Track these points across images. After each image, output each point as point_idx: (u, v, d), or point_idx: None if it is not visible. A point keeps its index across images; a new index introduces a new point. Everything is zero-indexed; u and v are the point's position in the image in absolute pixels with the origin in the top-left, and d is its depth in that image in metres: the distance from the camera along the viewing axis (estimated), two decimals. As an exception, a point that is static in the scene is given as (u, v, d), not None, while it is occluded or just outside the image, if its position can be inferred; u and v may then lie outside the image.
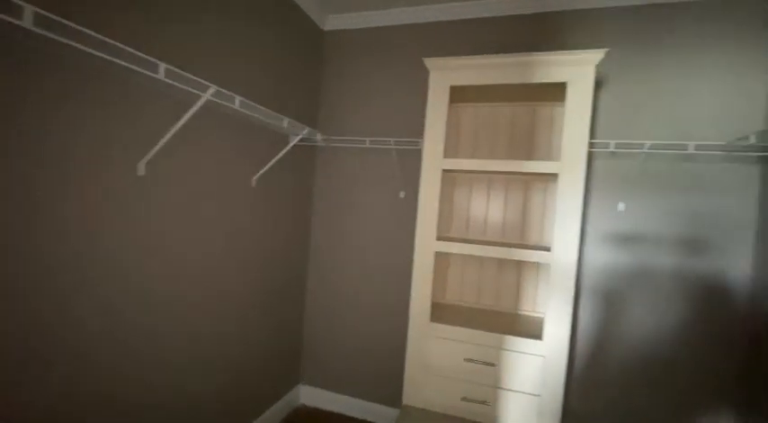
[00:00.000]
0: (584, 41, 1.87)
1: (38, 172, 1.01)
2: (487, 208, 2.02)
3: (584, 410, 1.90)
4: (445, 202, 2.03)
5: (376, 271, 2.25)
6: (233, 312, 1.79)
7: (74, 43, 0.91)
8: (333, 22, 2.30)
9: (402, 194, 2.19)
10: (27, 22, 0.82)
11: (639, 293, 1.82)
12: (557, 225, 1.56)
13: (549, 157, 1.90)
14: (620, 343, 1.85)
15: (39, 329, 1.04)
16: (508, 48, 1.97)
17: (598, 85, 1.84)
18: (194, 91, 1.23)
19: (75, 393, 1.14)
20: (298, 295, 2.34)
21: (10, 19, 0.79)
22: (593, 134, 1.81)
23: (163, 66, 1.11)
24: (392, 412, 2.19)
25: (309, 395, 2.38)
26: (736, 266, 1.70)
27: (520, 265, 1.96)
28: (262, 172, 1.83)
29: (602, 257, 1.87)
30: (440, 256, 1.89)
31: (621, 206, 1.83)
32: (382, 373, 2.23)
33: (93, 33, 0.93)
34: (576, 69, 1.53)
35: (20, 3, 0.80)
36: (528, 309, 1.96)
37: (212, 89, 1.24)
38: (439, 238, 1.74)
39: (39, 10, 0.84)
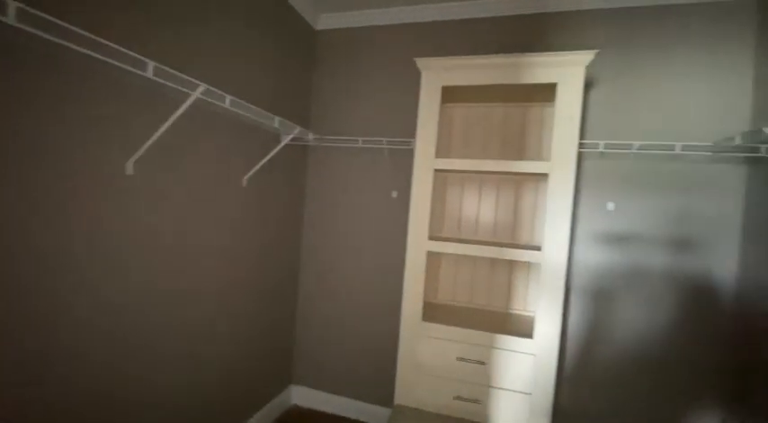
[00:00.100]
0: (575, 43, 1.89)
1: (23, 171, 0.99)
2: (479, 208, 2.03)
3: (574, 408, 1.92)
4: (437, 201, 2.04)
5: (368, 271, 2.25)
6: (224, 313, 1.77)
7: (60, 40, 0.89)
8: (325, 21, 2.29)
9: (394, 194, 2.19)
10: (10, 18, 0.81)
11: (629, 292, 1.84)
12: (547, 225, 1.57)
13: (539, 157, 1.92)
14: (609, 341, 1.87)
15: (32, 329, 1.02)
16: (500, 48, 1.98)
17: (588, 86, 1.86)
18: (184, 89, 1.21)
19: (67, 393, 1.13)
20: (290, 295, 2.33)
21: (-7, 15, 0.78)
22: (582, 135, 1.83)
23: (151, 64, 1.10)
24: (385, 412, 2.20)
25: (302, 395, 2.37)
26: (723, 265, 1.73)
27: (511, 264, 1.98)
28: (253, 171, 1.82)
29: (591, 257, 1.89)
30: (432, 256, 1.89)
31: (611, 206, 1.85)
32: (375, 373, 2.23)
33: (79, 30, 0.92)
34: (565, 70, 1.55)
35: (3, -2, 0.79)
36: (519, 308, 1.97)
37: (202, 88, 1.23)
38: (431, 238, 1.74)
39: (23, 6, 0.82)
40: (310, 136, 2.04)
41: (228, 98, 1.40)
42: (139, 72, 1.08)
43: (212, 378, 1.73)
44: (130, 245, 1.30)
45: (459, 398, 1.69)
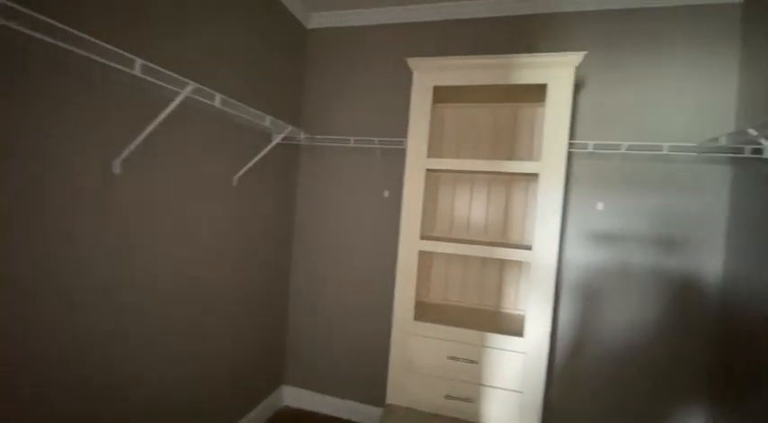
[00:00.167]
0: (565, 44, 1.91)
1: (2, 171, 0.97)
2: (470, 207, 2.04)
3: (564, 406, 1.94)
4: (429, 201, 2.04)
5: (360, 270, 2.25)
6: (214, 313, 1.76)
7: (43, 36, 0.88)
8: (317, 20, 2.28)
9: (386, 194, 2.19)
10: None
11: (617, 291, 1.87)
12: (537, 224, 1.59)
13: (530, 157, 1.93)
14: (599, 339, 1.90)
15: (7, 330, 1.00)
16: (491, 49, 1.99)
17: (577, 87, 1.88)
18: (173, 88, 1.20)
19: (55, 395, 1.10)
20: (281, 295, 2.31)
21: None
22: (572, 135, 1.84)
23: (139, 61, 1.08)
24: (377, 412, 2.20)
25: (294, 396, 2.36)
26: (709, 264, 1.77)
27: (502, 263, 1.99)
28: (243, 171, 1.81)
29: (581, 256, 1.91)
30: (423, 255, 1.90)
31: (600, 206, 1.88)
32: (367, 373, 2.23)
33: (63, 26, 0.90)
34: (555, 71, 1.56)
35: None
36: (510, 306, 1.99)
37: (191, 86, 1.22)
38: (423, 238, 1.75)
39: (3, 0, 0.80)
40: (302, 135, 2.03)
41: (218, 97, 1.39)
42: (126, 69, 1.06)
43: (202, 379, 1.72)
44: (117, 245, 1.28)
45: (450, 397, 1.70)
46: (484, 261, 2.02)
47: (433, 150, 2.00)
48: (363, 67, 2.23)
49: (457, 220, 2.06)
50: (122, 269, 1.30)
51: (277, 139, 1.88)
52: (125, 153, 1.22)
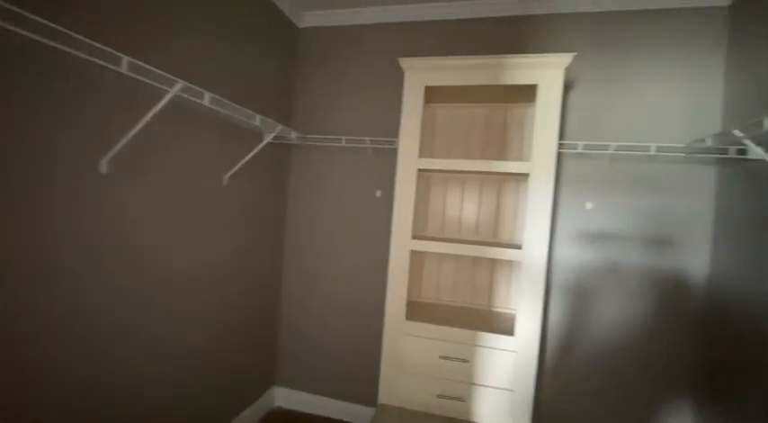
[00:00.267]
0: (555, 46, 1.92)
1: (-13, 169, 0.95)
2: (462, 207, 2.05)
3: (554, 404, 1.96)
4: (421, 201, 2.05)
5: (352, 270, 2.24)
6: (204, 313, 1.74)
7: (27, 33, 0.86)
8: (308, 19, 2.27)
9: (378, 193, 2.19)
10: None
11: (606, 289, 1.89)
12: (528, 223, 1.60)
13: (521, 157, 1.95)
14: (588, 337, 1.92)
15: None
16: (483, 50, 2.00)
17: (567, 88, 1.89)
18: (161, 86, 1.18)
19: (42, 397, 1.08)
20: (273, 295, 2.30)
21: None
22: (562, 135, 1.86)
23: (126, 59, 1.06)
24: (369, 412, 2.19)
25: (285, 397, 2.35)
26: (696, 263, 1.79)
27: (493, 262, 2.00)
28: (234, 170, 1.79)
29: (571, 255, 1.93)
30: (415, 255, 1.90)
31: (589, 205, 1.90)
32: (359, 373, 2.22)
33: (47, 22, 0.88)
34: (545, 72, 1.58)
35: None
36: (501, 305, 2.00)
37: (180, 85, 1.20)
38: (414, 237, 1.75)
39: (-14, -4, 0.79)
40: (293, 135, 2.02)
41: (208, 96, 1.37)
42: (113, 67, 1.04)
43: (192, 381, 1.70)
44: (103, 245, 1.26)
45: (442, 396, 1.70)
46: (475, 260, 2.02)
47: (425, 150, 2.00)
48: (355, 66, 2.22)
49: (448, 219, 2.07)
50: (108, 270, 1.28)
51: (268, 139, 1.87)
52: (112, 152, 1.20)
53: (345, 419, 2.23)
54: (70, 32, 0.93)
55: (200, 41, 1.58)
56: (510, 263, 1.97)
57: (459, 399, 1.68)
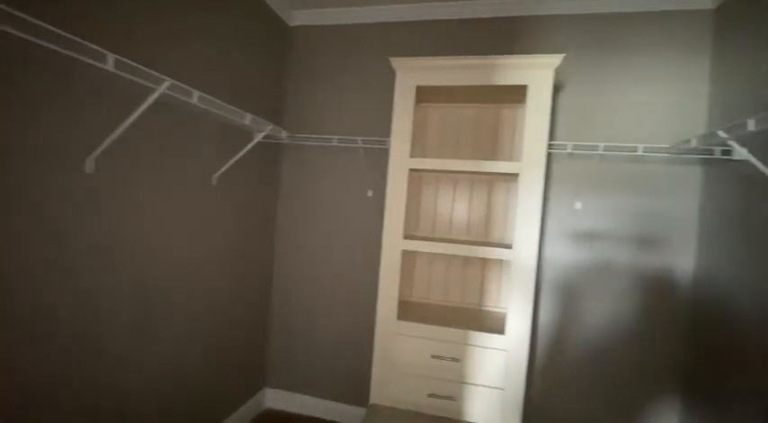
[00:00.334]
0: (546, 46, 1.94)
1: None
2: (453, 207, 2.06)
3: (545, 402, 1.98)
4: (412, 200, 2.05)
5: (344, 270, 2.24)
6: (193, 314, 1.72)
7: (10, 29, 0.83)
8: (299, 18, 2.26)
9: (370, 193, 2.18)
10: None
11: (595, 288, 1.91)
12: (518, 223, 1.61)
13: (511, 157, 1.96)
14: (578, 335, 1.94)
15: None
16: (474, 50, 2.01)
17: (557, 88, 1.91)
18: (148, 84, 1.16)
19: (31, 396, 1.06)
20: (263, 296, 2.28)
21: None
22: (552, 136, 1.88)
23: (111, 56, 1.04)
24: (360, 412, 2.19)
25: (276, 398, 2.33)
26: (682, 262, 1.82)
27: (484, 262, 2.01)
28: (223, 170, 1.77)
29: (560, 254, 1.95)
30: (407, 255, 1.90)
31: (578, 205, 1.92)
32: (351, 373, 2.22)
33: (31, 19, 0.86)
34: (535, 73, 1.59)
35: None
36: (492, 304, 2.01)
37: (167, 82, 1.18)
38: (406, 237, 1.75)
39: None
40: (283, 134, 2.01)
41: (196, 94, 1.35)
42: (99, 64, 1.02)
43: (181, 383, 1.68)
44: (89, 246, 1.23)
45: (433, 395, 1.70)
46: (466, 260, 2.03)
47: (416, 150, 2.00)
48: (347, 65, 2.22)
49: (440, 219, 2.07)
50: (96, 270, 1.26)
51: (258, 138, 1.85)
52: (98, 151, 1.18)
53: (337, 420, 2.23)
54: (54, 28, 0.91)
55: (189, 40, 1.56)
56: (500, 262, 1.99)
57: (451, 398, 1.69)
